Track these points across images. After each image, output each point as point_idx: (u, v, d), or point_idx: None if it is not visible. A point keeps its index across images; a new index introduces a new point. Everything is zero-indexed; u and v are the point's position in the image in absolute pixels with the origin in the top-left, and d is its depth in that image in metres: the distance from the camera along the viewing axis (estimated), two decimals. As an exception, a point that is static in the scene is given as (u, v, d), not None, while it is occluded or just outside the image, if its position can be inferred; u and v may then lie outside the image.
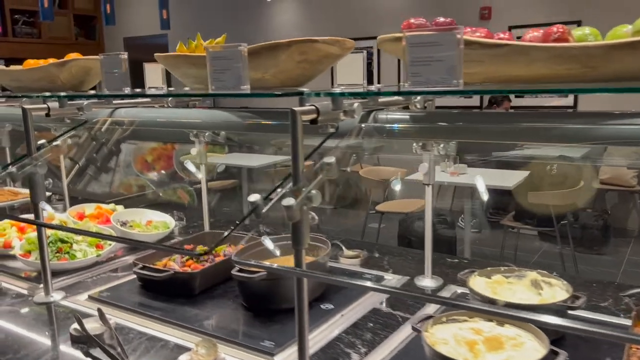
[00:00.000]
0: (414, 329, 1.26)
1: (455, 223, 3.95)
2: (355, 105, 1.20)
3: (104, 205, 2.44)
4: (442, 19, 1.25)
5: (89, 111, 1.77)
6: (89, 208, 2.40)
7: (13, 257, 2.08)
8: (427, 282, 1.75)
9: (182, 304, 1.64)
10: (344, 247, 2.04)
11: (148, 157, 2.84)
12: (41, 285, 1.83)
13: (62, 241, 1.97)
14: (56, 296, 1.74)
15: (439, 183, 4.72)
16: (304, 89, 1.22)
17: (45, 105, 1.68)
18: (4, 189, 3.01)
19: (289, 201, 1.06)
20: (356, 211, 6.22)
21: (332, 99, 1.16)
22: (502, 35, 1.15)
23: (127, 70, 1.48)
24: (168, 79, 1.76)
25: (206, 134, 2.15)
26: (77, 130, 1.82)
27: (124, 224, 2.24)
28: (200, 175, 2.26)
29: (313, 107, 1.14)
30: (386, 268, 1.92)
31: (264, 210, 1.11)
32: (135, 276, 1.89)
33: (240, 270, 1.54)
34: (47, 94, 1.78)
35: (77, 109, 1.75)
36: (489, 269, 1.53)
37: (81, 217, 2.35)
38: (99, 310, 1.50)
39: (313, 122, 1.15)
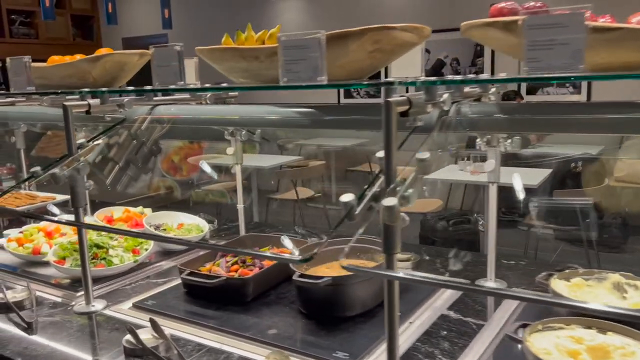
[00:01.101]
0: (511, 338, 1.17)
1: (477, 222, 3.87)
2: (446, 96, 1.11)
3: (131, 209, 2.33)
4: (532, 3, 1.17)
5: (130, 108, 1.67)
6: (117, 211, 2.29)
7: (40, 264, 1.97)
8: (491, 285, 1.66)
9: (237, 312, 1.54)
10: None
11: (174, 157, 2.73)
12: (78, 294, 1.73)
13: (98, 246, 1.86)
14: (98, 305, 1.63)
15: (462, 182, 4.65)
16: (392, 79, 1.13)
17: (85, 102, 1.58)
18: (20, 192, 2.89)
19: (390, 201, 0.96)
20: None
21: (426, 89, 1.07)
22: (607, 19, 1.07)
23: (182, 63, 1.38)
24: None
25: (243, 132, 2.05)
26: (114, 129, 1.72)
27: (157, 227, 2.13)
28: (237, 175, 2.17)
29: (405, 98, 1.04)
30: (441, 271, 1.83)
31: (357, 212, 1.01)
32: (177, 282, 1.79)
33: (302, 275, 1.44)
34: (86, 89, 1.67)
35: (117, 106, 1.65)
36: (567, 271, 1.44)
37: (110, 220, 2.24)
38: (152, 320, 1.40)
39: (404, 114, 1.06)
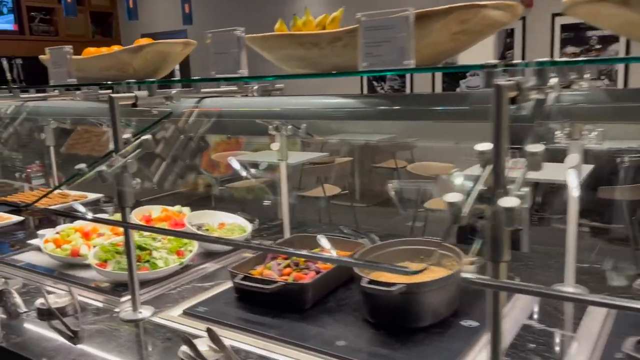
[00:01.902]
0: (631, 357, 1.04)
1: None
2: (555, 80, 0.98)
3: (170, 208, 2.23)
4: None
5: (178, 100, 1.55)
6: (155, 211, 2.19)
7: (77, 266, 1.88)
8: (570, 290, 1.52)
9: (296, 320, 1.42)
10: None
11: (212, 153, 2.62)
12: (122, 299, 1.62)
13: (141, 248, 1.75)
14: (145, 312, 1.52)
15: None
16: (496, 61, 0.99)
17: (132, 94, 1.47)
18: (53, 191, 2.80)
19: (511, 201, 0.83)
20: (397, 209, 6.00)
21: (537, 73, 0.93)
22: None
23: (242, 50, 1.26)
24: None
25: (288, 127, 1.93)
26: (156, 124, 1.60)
27: (199, 227, 2.02)
28: (282, 173, 2.05)
29: (514, 83, 0.91)
30: (510, 275, 1.69)
31: (463, 213, 0.89)
32: (224, 286, 1.68)
33: (372, 282, 1.31)
34: (133, 80, 1.56)
35: (164, 98, 1.54)
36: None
37: (148, 220, 2.13)
38: (210, 330, 1.28)
39: (512, 101, 0.92)
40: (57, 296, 1.60)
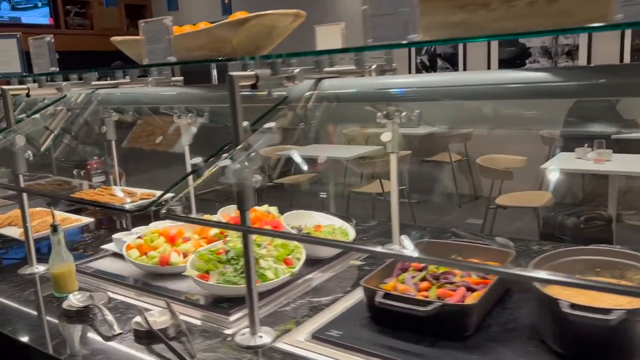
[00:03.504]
0: None
1: (610, 218, 3.38)
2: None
3: (257, 207, 1.97)
4: None
5: (302, 81, 1.28)
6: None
7: (161, 276, 1.64)
8: None
9: (460, 349, 1.14)
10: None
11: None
12: (232, 318, 1.37)
13: (245, 257, 1.49)
14: (265, 336, 1.26)
15: (582, 172, 4.15)
16: None
17: (252, 73, 1.20)
18: (112, 188, 2.58)
19: None
20: (471, 204, 5.70)
21: None
22: None
23: (416, 6, 0.99)
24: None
25: (402, 114, 1.65)
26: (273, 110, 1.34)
27: (299, 230, 1.76)
28: (392, 166, 1.78)
29: None
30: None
31: None
32: (347, 302, 1.42)
33: (575, 306, 1.03)
34: (258, 55, 1.30)
35: (286, 79, 1.27)
36: None
37: (237, 222, 1.88)
38: None
39: None
40: (155, 314, 1.35)
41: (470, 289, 1.28)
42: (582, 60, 5.39)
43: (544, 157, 4.88)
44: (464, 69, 6.30)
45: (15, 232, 2.04)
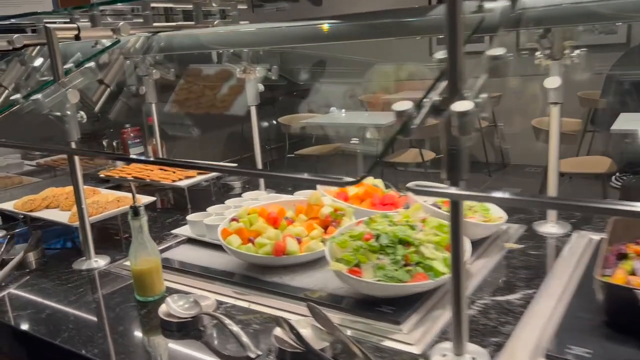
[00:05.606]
0: None
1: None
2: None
3: (364, 181, 1.58)
4: None
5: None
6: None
7: (261, 268, 1.26)
8: None
9: None
10: None
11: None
12: (403, 328, 1.00)
13: (402, 242, 1.12)
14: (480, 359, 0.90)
15: None
16: None
17: None
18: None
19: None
20: (499, 172, 5.35)
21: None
22: None
23: None
24: None
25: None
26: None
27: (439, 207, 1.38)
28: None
29: None
30: None
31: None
32: (550, 302, 1.05)
33: None
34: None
35: None
36: None
37: (346, 198, 1.50)
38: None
39: None
40: (302, 323, 0.97)
41: None
42: None
43: (584, 120, 4.57)
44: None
45: (58, 215, 1.63)
